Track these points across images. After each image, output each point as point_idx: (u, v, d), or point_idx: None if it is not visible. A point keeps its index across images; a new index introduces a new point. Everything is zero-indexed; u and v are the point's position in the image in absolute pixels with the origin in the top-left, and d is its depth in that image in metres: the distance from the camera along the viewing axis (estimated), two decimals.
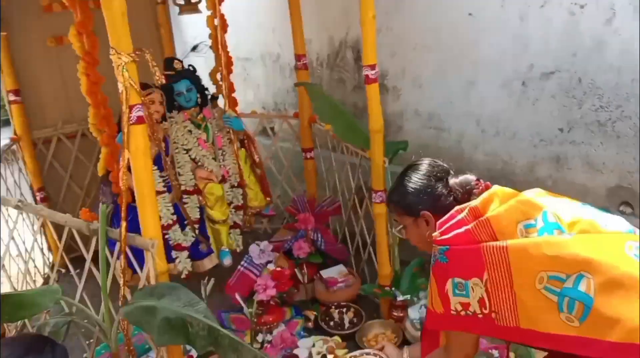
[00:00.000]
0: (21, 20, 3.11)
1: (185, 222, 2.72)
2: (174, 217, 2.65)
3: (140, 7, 3.57)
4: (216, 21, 2.93)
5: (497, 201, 1.37)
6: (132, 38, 3.58)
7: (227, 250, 2.89)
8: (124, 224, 1.72)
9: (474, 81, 2.97)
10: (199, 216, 2.78)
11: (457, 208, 1.41)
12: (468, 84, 2.99)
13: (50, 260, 3.30)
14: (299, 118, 3.48)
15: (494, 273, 1.27)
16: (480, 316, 1.31)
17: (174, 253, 2.67)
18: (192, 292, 1.75)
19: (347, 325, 2.63)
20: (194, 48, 2.98)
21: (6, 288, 2.40)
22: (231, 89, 3.00)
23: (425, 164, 1.60)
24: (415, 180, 1.56)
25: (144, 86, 2.70)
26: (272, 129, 3.94)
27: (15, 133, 3.16)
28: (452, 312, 1.35)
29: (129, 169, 1.69)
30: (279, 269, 2.64)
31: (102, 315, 1.88)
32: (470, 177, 1.55)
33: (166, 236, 2.64)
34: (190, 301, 1.73)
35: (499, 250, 1.26)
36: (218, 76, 3.04)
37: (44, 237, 3.20)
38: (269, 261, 2.73)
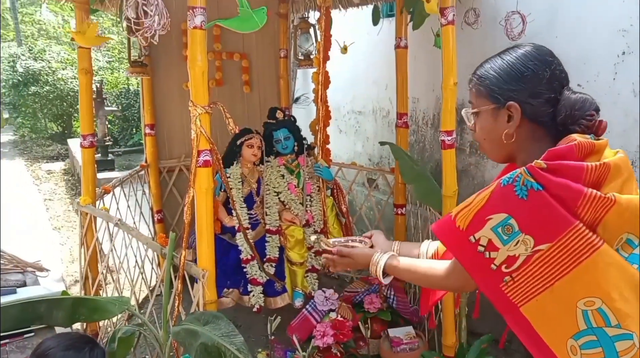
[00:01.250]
0: (165, 67, 3.67)
1: (265, 259, 2.92)
2: (252, 253, 2.86)
3: (266, 60, 3.98)
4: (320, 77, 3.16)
5: (620, 180, 1.07)
6: (256, 87, 4.00)
7: (300, 291, 3.02)
8: (183, 252, 1.95)
9: None
10: (277, 255, 2.96)
11: (579, 141, 1.07)
12: None
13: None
14: (395, 174, 3.54)
15: (557, 256, 1.01)
16: (493, 267, 1.06)
17: (249, 287, 2.87)
18: (233, 324, 1.90)
19: None
20: (296, 100, 3.25)
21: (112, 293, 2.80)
22: (326, 140, 3.18)
23: (545, 52, 1.18)
24: (524, 61, 1.17)
25: (247, 131, 3.03)
26: (372, 180, 4.05)
27: (146, 161, 3.69)
28: (470, 238, 1.09)
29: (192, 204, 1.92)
30: (340, 319, 2.69)
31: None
32: (591, 103, 1.15)
33: (244, 270, 2.86)
34: (229, 332, 1.87)
35: (587, 244, 1.00)
36: (317, 128, 3.25)
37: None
38: (332, 310, 2.79)
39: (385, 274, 1.41)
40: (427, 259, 1.42)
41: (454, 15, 2.35)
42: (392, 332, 2.87)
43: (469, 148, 3.61)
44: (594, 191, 1.01)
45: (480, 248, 1.07)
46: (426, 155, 3.89)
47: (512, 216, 1.04)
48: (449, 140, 2.40)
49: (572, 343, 1.03)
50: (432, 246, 1.54)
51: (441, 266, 1.28)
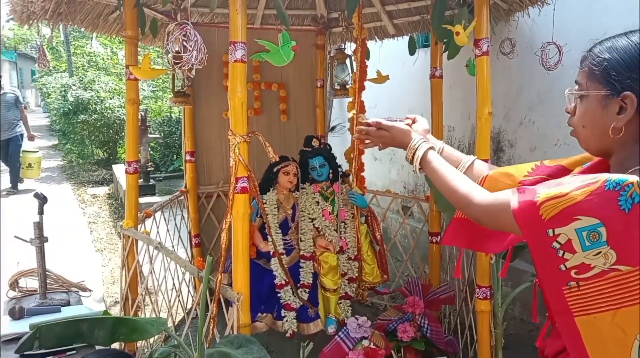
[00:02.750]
0: (205, 97, 3.81)
1: (298, 285, 2.95)
2: (287, 278, 2.89)
3: (303, 90, 4.09)
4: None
5: None
6: (293, 116, 4.10)
7: (333, 318, 3.02)
8: (219, 276, 2.00)
9: None
10: (311, 281, 2.98)
11: None
12: None
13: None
14: (430, 202, 3.54)
15: (634, 282, 0.95)
16: (562, 268, 0.98)
17: (283, 312, 2.89)
18: (265, 349, 1.93)
19: None
20: (332, 129, 3.31)
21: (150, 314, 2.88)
22: (361, 168, 3.22)
23: None
24: None
25: (284, 159, 3.11)
26: (407, 208, 4.04)
27: (185, 186, 3.81)
28: (547, 231, 0.98)
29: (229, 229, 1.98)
30: (373, 347, 2.67)
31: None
32: None
33: (278, 295, 2.89)
34: (261, 357, 1.90)
35: None
36: (352, 156, 3.29)
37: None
38: (365, 337, 2.77)
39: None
40: (464, 174, 1.29)
41: (488, 46, 2.39)
42: None
43: None
44: None
45: (555, 245, 0.98)
46: None
47: (605, 224, 0.94)
48: None
49: None
50: (478, 165, 1.44)
51: (481, 194, 1.17)
